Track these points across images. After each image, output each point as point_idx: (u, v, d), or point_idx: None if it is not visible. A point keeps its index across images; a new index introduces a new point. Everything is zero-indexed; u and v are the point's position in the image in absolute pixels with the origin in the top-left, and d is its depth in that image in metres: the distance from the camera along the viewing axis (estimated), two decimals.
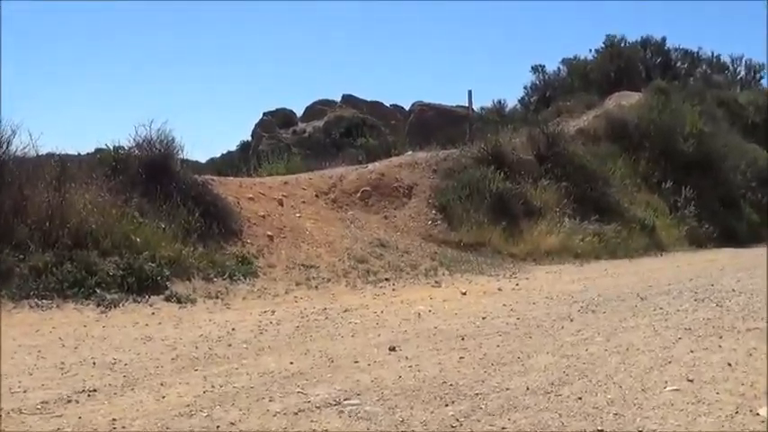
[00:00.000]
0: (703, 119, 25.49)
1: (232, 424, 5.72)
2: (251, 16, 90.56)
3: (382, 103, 33.35)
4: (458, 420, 5.88)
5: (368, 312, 10.73)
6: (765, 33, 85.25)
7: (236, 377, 7.06)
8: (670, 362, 7.67)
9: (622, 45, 37.24)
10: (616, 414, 6.01)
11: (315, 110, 32.74)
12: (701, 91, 30.54)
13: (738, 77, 39.52)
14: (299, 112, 33.59)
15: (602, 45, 37.20)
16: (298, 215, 15.46)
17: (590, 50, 38.28)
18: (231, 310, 10.74)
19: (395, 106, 34.20)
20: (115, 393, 6.48)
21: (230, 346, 8.45)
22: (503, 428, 5.71)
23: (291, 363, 7.63)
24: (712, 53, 39.91)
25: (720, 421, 5.84)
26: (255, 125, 33.30)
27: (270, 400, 6.32)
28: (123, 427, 5.59)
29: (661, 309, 10.86)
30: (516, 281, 14.23)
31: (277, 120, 31.95)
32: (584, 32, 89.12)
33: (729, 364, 7.49)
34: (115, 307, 10.16)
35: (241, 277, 12.17)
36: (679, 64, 38.67)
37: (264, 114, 33.58)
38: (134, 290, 10.62)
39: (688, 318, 10.14)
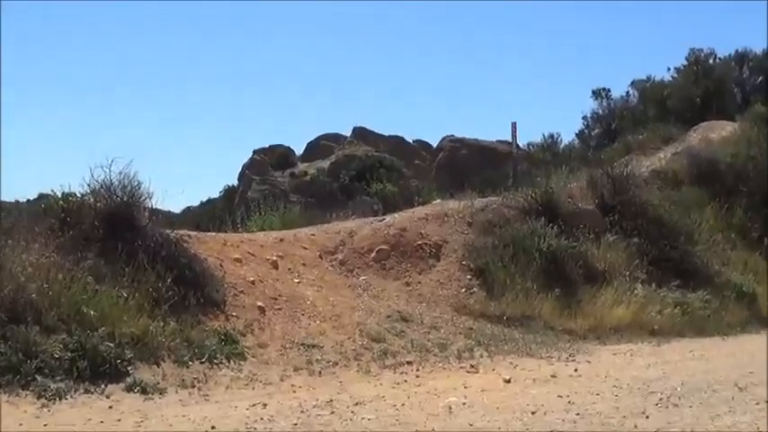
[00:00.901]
0: None
1: None
2: (239, 32, 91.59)
3: (403, 139, 33.50)
4: None
5: (385, 406, 10.73)
6: None
7: None
8: None
9: (711, 61, 37.20)
10: None
11: (319, 147, 32.95)
12: None
13: None
14: (299, 150, 33.79)
15: (685, 62, 37.20)
16: (297, 281, 15.51)
17: (668, 69, 38.32)
18: (211, 402, 10.68)
19: (419, 142, 34.34)
20: None
21: None
22: None
23: None
24: None
25: None
26: (243, 166, 33.54)
27: None
28: None
29: (766, 403, 10.76)
30: (575, 365, 14.19)
31: (271, 159, 32.13)
32: (661, 47, 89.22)
33: None
34: (61, 399, 10.02)
35: (224, 360, 12.09)
36: None
37: (255, 153, 33.79)
38: (86, 377, 10.49)
39: None
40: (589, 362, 14.50)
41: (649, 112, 35.00)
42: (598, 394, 11.53)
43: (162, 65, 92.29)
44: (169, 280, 12.67)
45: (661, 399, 11.12)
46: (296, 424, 9.66)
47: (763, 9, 75.73)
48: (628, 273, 19.46)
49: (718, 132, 28.25)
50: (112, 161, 13.66)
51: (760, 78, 37.26)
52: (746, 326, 19.41)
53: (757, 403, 10.76)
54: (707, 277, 20.57)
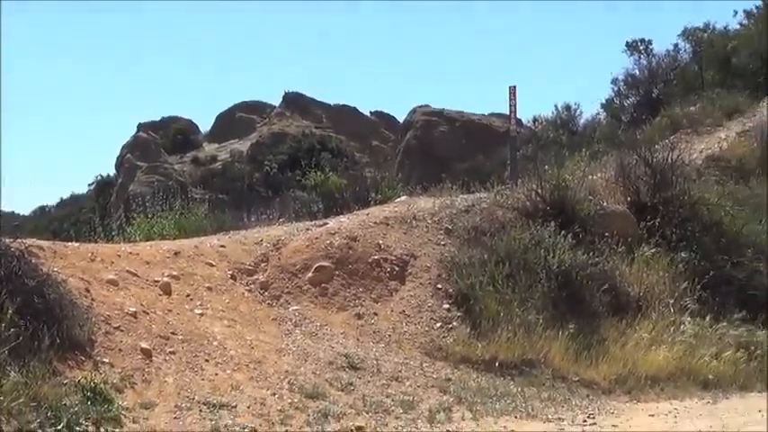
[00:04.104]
0: None
1: None
2: None
3: (356, 110, 33.35)
4: None
5: None
6: None
7: None
8: None
9: None
10: None
11: (234, 121, 32.82)
12: None
13: None
14: (206, 126, 33.59)
15: (758, 5, 37.37)
16: (198, 312, 15.29)
17: (734, 14, 38.54)
18: None
19: (379, 115, 34.19)
20: None
21: None
22: None
23: None
24: None
25: None
26: (124, 148, 33.30)
27: None
28: None
29: None
30: (595, 429, 14.22)
31: (164, 139, 31.91)
32: None
33: None
34: None
35: (90, 428, 11.78)
36: None
37: (141, 128, 33.58)
38: None
39: None
40: (616, 426, 14.44)
41: (707, 73, 35.03)
42: None
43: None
44: (10, 311, 12.28)
45: None
46: None
47: None
48: (672, 300, 19.58)
49: None
50: None
51: None
52: None
53: None
54: None
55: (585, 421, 14.71)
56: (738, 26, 37.11)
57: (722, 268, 20.44)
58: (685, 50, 36.89)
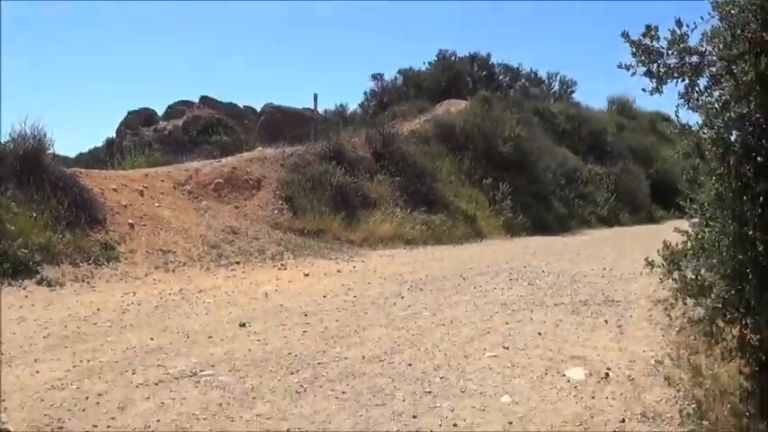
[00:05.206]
0: (520, 125, 26.20)
1: (99, 395, 5.87)
2: (115, 18, 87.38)
3: (236, 105, 33.03)
4: (302, 387, 6.22)
5: (220, 293, 10.83)
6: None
7: (102, 353, 7.15)
8: (488, 332, 8.23)
9: (453, 59, 37.84)
10: (442, 377, 6.50)
11: (175, 110, 32.13)
12: (520, 101, 31.30)
13: (552, 91, 40.76)
14: (161, 112, 32.94)
15: (435, 58, 37.76)
16: (157, 205, 15.16)
17: (424, 63, 38.86)
18: (96, 291, 10.63)
19: (248, 108, 33.93)
20: None
21: (96, 324, 8.50)
22: (342, 393, 6.09)
23: (152, 339, 7.80)
24: (531, 69, 41.25)
25: (532, 382, 6.41)
26: (120, 123, 32.42)
27: (133, 373, 6.50)
28: (3, 400, 5.69)
29: (480, 287, 11.38)
30: (354, 264, 14.45)
31: (140, 118, 31.18)
32: (420, 47, 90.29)
33: (539, 334, 8.14)
34: None
35: (105, 262, 11.96)
36: (501, 77, 39.48)
37: (129, 113, 32.74)
38: (9, 274, 10.42)
39: (504, 295, 10.72)
40: (363, 262, 14.79)
41: (410, 91, 35.41)
42: (369, 283, 11.88)
43: (64, 47, 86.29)
44: (66, 204, 12.44)
45: (411, 286, 11.52)
46: (157, 306, 9.74)
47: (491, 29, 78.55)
48: (391, 201, 19.86)
49: (455, 107, 28.76)
50: (26, 118, 13.43)
51: (484, 72, 38.47)
52: (469, 238, 19.94)
53: (474, 287, 11.34)
54: (444, 205, 21.06)
55: (348, 260, 15.01)
56: (425, 68, 37.48)
57: (416, 185, 20.69)
58: (399, 79, 37.20)
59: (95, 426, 5.32)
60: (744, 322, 4.25)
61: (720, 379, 5.44)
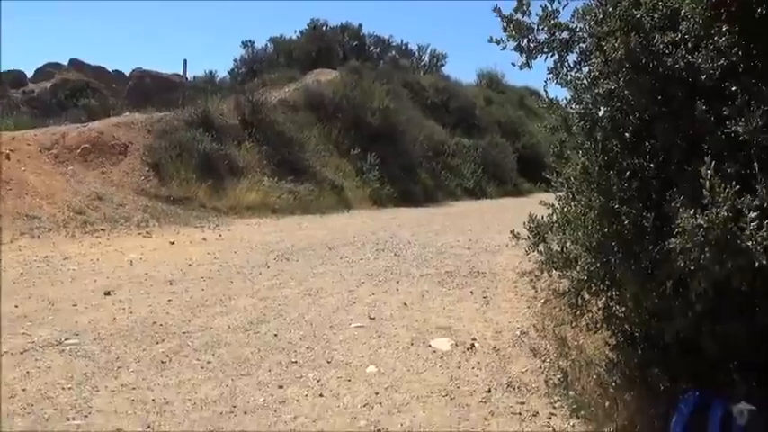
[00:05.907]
0: (389, 96, 26.33)
1: None
2: None
3: (105, 69, 31.98)
4: (167, 356, 6.14)
5: (85, 260, 10.58)
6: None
7: None
8: (354, 303, 8.26)
9: (324, 29, 37.59)
10: (308, 348, 6.48)
11: (44, 72, 30.82)
12: (390, 73, 31.43)
13: (423, 63, 41.11)
14: (30, 74, 31.51)
15: (307, 27, 37.41)
16: (23, 169, 14.62)
17: (295, 31, 38.46)
18: None
19: (117, 72, 32.87)
20: None
21: None
22: (208, 362, 6.01)
23: (16, 306, 7.56)
24: (401, 41, 41.23)
25: (398, 352, 6.44)
26: None
27: None
28: None
29: (347, 257, 11.42)
30: (220, 232, 14.33)
31: (8, 80, 29.77)
32: (292, 15, 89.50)
33: (405, 304, 8.19)
34: None
35: None
36: (372, 49, 39.46)
37: None
38: None
39: (370, 265, 10.79)
40: (230, 230, 14.68)
41: (281, 60, 34.95)
42: (235, 252, 11.80)
43: None
44: None
45: (278, 255, 11.51)
46: (22, 273, 9.43)
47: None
48: (259, 170, 19.68)
49: (325, 77, 28.70)
50: None
51: (355, 43, 38.36)
52: (336, 208, 20.00)
53: (340, 257, 11.40)
54: (312, 174, 21.02)
55: (215, 228, 14.85)
56: (297, 37, 37.09)
57: (284, 154, 20.67)
58: (270, 47, 36.67)
59: None
60: (609, 294, 4.34)
61: (586, 350, 5.61)
